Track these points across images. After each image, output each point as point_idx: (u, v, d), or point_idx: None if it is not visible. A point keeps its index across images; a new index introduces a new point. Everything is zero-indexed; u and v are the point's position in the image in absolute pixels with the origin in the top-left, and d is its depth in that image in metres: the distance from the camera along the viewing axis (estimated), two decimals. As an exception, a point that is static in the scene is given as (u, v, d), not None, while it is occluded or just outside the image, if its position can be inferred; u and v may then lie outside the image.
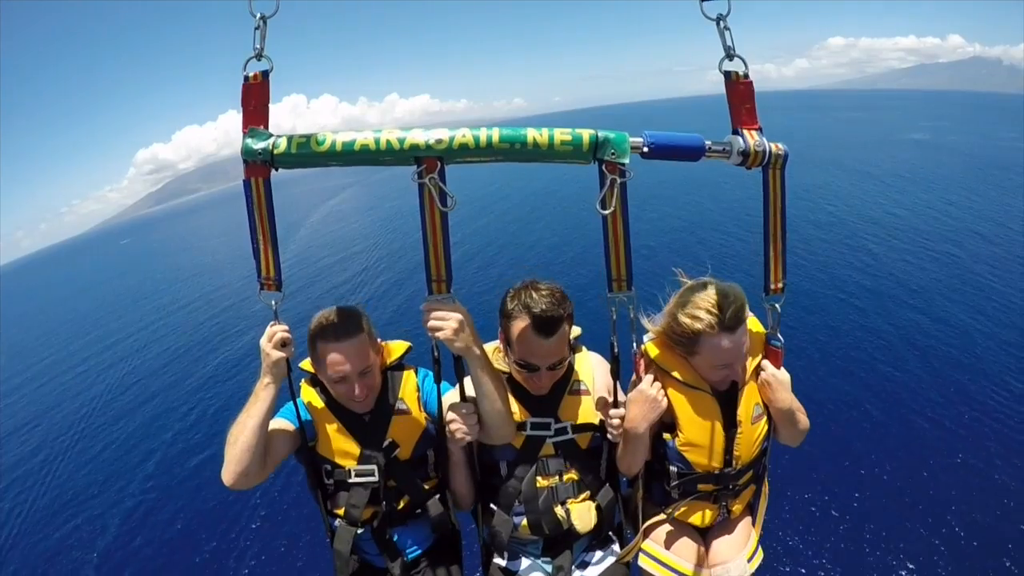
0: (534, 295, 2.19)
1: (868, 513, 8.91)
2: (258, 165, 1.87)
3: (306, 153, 1.85)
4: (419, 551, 2.58)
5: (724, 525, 2.51)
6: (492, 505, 2.47)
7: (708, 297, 2.13)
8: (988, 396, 11.18)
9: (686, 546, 2.44)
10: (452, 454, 2.39)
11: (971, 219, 23.18)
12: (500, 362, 2.43)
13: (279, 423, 2.33)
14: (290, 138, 1.86)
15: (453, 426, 2.20)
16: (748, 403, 2.30)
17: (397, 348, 2.53)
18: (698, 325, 2.12)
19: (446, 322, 1.95)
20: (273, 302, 2.04)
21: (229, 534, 10.28)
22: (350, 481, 2.38)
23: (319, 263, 30.72)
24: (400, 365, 2.52)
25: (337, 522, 2.46)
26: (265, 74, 1.88)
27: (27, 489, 13.44)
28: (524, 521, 2.43)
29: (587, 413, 2.42)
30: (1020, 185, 28.42)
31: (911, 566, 7.88)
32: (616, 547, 2.62)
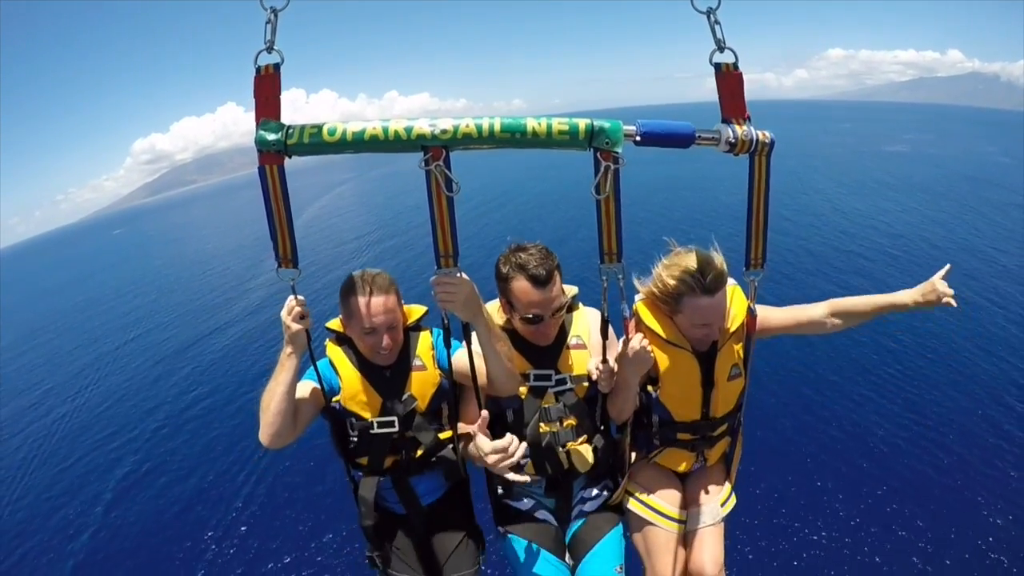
0: (522, 255, 2.48)
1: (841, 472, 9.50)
2: (272, 154, 1.97)
3: (318, 143, 1.94)
4: (434, 498, 2.85)
5: (702, 472, 2.83)
6: None
7: (691, 261, 2.41)
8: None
9: (667, 489, 2.76)
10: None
11: (921, 224, 24.50)
12: (501, 319, 2.68)
13: (307, 386, 2.55)
14: (302, 128, 1.94)
15: (492, 458, 2.33)
16: (725, 363, 2.56)
17: (415, 311, 2.75)
18: (681, 286, 2.39)
19: (454, 294, 2.13)
20: (291, 279, 2.18)
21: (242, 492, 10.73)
22: (372, 432, 2.60)
23: (324, 248, 30.86)
24: (417, 326, 2.75)
25: (360, 472, 2.72)
26: (276, 67, 1.95)
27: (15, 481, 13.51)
28: (529, 463, 2.70)
29: (583, 365, 2.68)
30: (981, 196, 29.76)
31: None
32: (609, 483, 2.90)
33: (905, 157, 49.82)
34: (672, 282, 2.41)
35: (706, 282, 2.34)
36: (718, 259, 2.42)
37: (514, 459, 2.32)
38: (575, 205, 31.07)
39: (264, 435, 2.37)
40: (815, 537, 8.27)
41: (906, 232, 23.31)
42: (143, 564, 9.67)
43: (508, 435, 2.36)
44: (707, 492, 2.76)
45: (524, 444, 2.39)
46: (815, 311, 2.64)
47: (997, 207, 26.93)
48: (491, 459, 2.32)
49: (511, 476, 2.37)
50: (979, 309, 14.85)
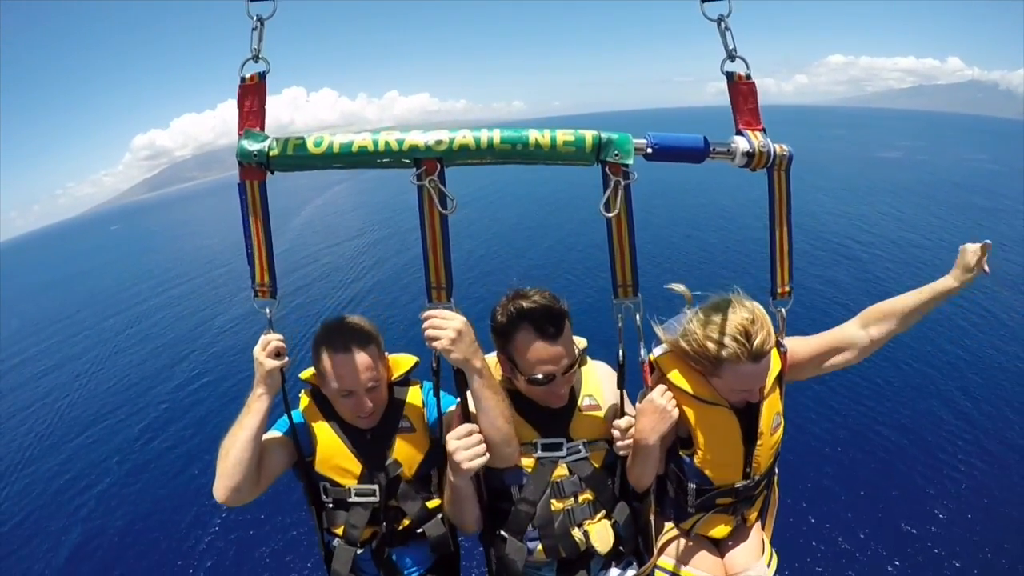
0: (525, 304, 2.11)
1: (871, 514, 9.12)
2: (253, 168, 1.83)
3: (302, 155, 1.80)
4: (418, 572, 2.49)
5: (738, 532, 2.48)
6: (502, 532, 2.31)
7: (735, 322, 2.04)
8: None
9: (704, 559, 2.41)
10: (458, 488, 2.17)
11: (895, 226, 25.19)
12: (499, 376, 2.31)
13: (275, 436, 2.26)
14: (286, 140, 1.82)
15: (459, 455, 2.01)
16: (768, 415, 2.24)
17: (403, 362, 2.42)
18: (723, 352, 2.04)
19: (444, 331, 1.89)
20: (267, 310, 1.98)
21: (211, 545, 10.18)
22: (350, 500, 2.30)
23: (308, 264, 30.56)
24: (406, 380, 2.43)
25: (335, 541, 2.37)
26: (262, 76, 1.84)
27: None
28: (539, 546, 2.30)
29: (599, 428, 2.31)
30: (960, 200, 30.54)
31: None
32: (632, 560, 2.51)
33: (896, 163, 50.78)
34: (712, 346, 2.05)
35: (753, 348, 1.99)
36: (763, 316, 2.08)
37: (480, 449, 2.02)
38: (573, 218, 30.92)
39: (219, 488, 2.03)
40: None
41: (885, 232, 23.88)
42: (148, 521, 10.32)
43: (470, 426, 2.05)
44: (749, 553, 2.43)
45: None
46: (847, 328, 2.35)
47: (981, 210, 27.57)
48: (452, 446, 2.00)
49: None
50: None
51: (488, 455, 2.05)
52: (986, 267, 2.17)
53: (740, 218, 26.55)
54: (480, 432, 2.05)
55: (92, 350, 22.01)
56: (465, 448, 2.02)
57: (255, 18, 1.80)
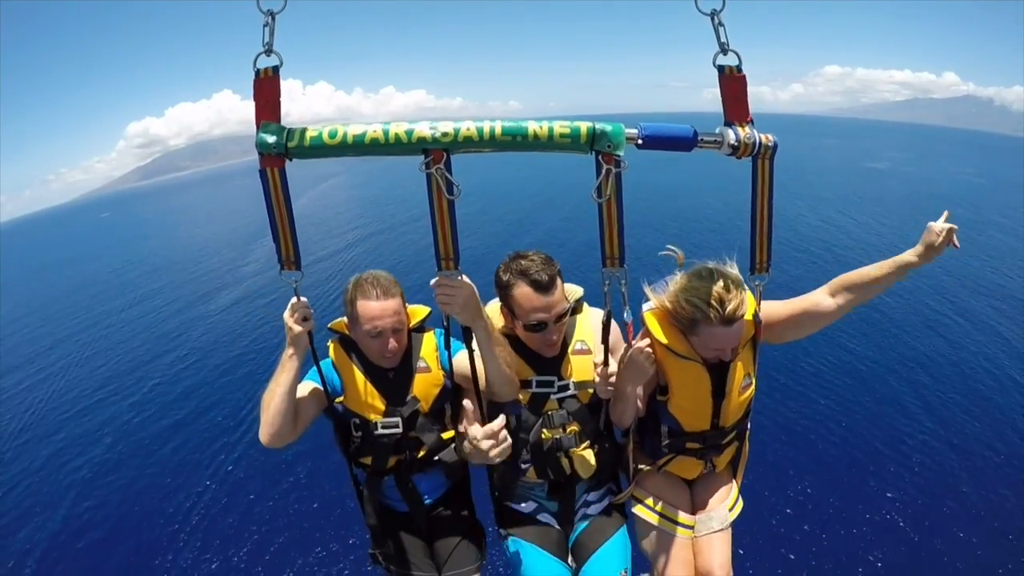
0: (523, 262, 2.45)
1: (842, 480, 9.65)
2: (273, 157, 1.96)
3: (318, 145, 1.93)
4: (436, 496, 2.87)
5: (709, 478, 2.79)
6: None
7: (713, 288, 2.26)
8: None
9: (674, 495, 2.74)
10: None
11: (870, 234, 25.75)
12: (501, 324, 2.64)
13: (308, 386, 2.57)
14: (303, 131, 1.94)
15: (487, 446, 2.32)
16: (738, 374, 2.47)
17: (419, 312, 2.77)
18: (698, 315, 2.29)
19: (453, 297, 2.13)
20: (294, 280, 2.18)
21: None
22: (376, 433, 2.62)
23: (319, 245, 30.76)
24: (421, 327, 2.78)
25: (363, 472, 2.76)
26: (275, 69, 1.94)
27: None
28: (531, 468, 2.71)
29: (587, 371, 2.62)
30: (941, 211, 29.95)
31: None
32: (613, 486, 2.94)
33: (882, 173, 51.38)
34: (689, 308, 2.30)
35: (725, 313, 2.23)
36: (740, 285, 2.30)
37: (507, 443, 2.34)
38: (573, 206, 31.20)
39: (264, 434, 2.38)
40: (817, 541, 8.36)
41: (860, 239, 24.36)
42: (139, 486, 10.86)
43: (500, 417, 2.36)
44: (715, 497, 2.73)
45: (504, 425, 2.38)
46: (816, 295, 2.57)
47: (960, 221, 26.61)
48: (485, 445, 2.30)
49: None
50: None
51: (509, 447, 2.38)
52: (956, 242, 2.35)
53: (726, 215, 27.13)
54: (504, 433, 2.36)
55: (83, 332, 22.28)
56: (494, 446, 2.33)
57: (266, 13, 1.88)
